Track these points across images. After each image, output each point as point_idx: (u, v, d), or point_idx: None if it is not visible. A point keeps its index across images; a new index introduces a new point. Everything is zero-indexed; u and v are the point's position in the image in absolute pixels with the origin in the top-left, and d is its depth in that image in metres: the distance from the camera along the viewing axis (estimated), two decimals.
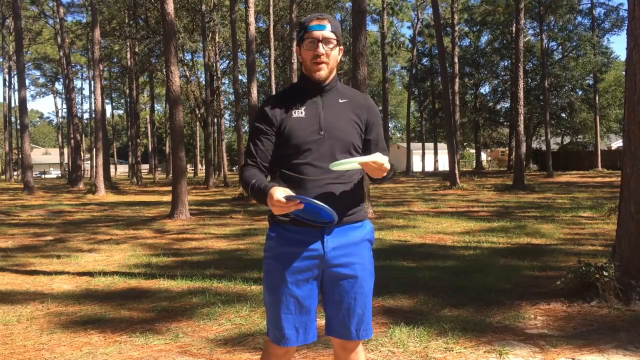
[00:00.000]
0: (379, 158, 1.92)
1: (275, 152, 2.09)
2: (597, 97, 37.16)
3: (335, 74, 2.11)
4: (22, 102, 24.34)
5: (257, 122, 2.11)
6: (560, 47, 41.19)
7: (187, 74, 33.30)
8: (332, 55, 2.05)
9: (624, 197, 4.43)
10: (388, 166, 1.97)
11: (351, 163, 1.92)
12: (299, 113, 2.06)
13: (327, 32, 2.01)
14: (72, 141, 30.69)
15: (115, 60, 43.61)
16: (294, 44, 23.79)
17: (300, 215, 1.92)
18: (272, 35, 24.76)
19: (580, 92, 40.70)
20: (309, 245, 2.03)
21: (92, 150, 43.26)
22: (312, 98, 2.09)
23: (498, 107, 46.05)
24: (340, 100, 2.11)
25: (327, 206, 1.82)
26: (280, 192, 1.84)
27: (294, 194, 1.85)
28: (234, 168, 61.66)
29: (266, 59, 38.69)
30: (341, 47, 2.09)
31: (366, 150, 2.16)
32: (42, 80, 60.89)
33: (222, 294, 4.89)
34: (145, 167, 58.63)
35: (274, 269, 2.07)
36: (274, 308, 2.07)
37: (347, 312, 2.07)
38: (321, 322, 2.31)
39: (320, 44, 2.01)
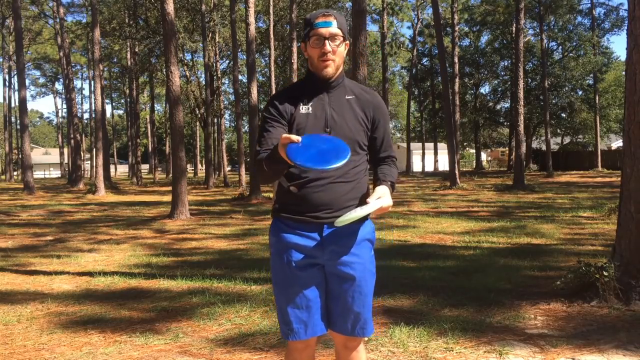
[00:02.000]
0: (377, 205, 1.94)
1: None
2: (597, 97, 37.18)
3: (341, 70, 2.11)
4: (22, 102, 24.34)
5: (267, 113, 2.10)
6: (560, 47, 41.22)
7: (187, 74, 33.31)
8: (338, 52, 2.04)
9: (624, 197, 4.43)
10: (389, 202, 1.98)
11: (354, 215, 1.91)
12: (306, 109, 2.06)
13: (334, 29, 2.01)
14: (72, 141, 30.69)
15: (115, 60, 43.63)
16: (294, 44, 23.86)
17: (309, 166, 1.79)
18: (272, 35, 24.74)
19: (580, 92, 40.72)
20: (308, 242, 2.04)
21: (92, 150, 43.29)
22: (319, 94, 2.08)
23: (498, 107, 46.08)
24: (347, 97, 2.11)
25: (325, 166, 1.76)
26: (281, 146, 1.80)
27: (291, 141, 1.77)
28: (234, 168, 61.68)
29: (266, 59, 38.67)
30: (347, 42, 2.08)
31: (371, 148, 2.16)
32: (42, 80, 61.00)
33: (222, 294, 4.89)
34: (145, 167, 58.62)
35: (278, 264, 2.10)
36: (281, 303, 2.10)
37: (344, 310, 2.09)
38: None
39: (327, 42, 2.01)
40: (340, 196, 2.03)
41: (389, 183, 2.09)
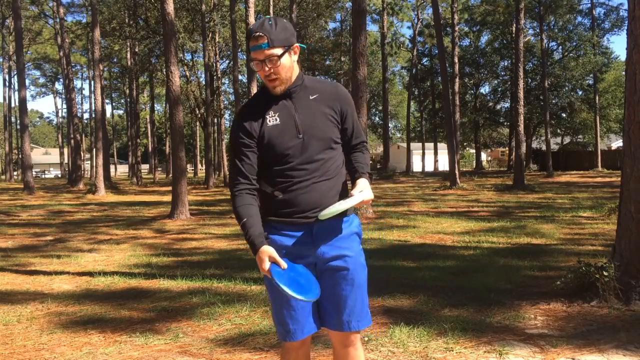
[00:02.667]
0: (359, 198, 1.98)
1: (259, 164, 2.08)
2: (597, 97, 37.16)
3: (298, 73, 2.07)
4: (22, 102, 24.34)
5: (236, 137, 2.07)
6: (560, 47, 41.21)
7: (187, 74, 33.29)
8: (281, 67, 1.98)
9: (624, 197, 4.43)
10: (371, 196, 2.03)
11: (338, 208, 1.96)
12: (273, 120, 2.04)
13: (267, 51, 1.94)
14: (72, 141, 30.69)
15: (115, 60, 43.62)
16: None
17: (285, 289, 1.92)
18: None
19: (580, 92, 40.70)
20: (298, 243, 2.07)
21: (92, 150, 43.28)
22: (281, 101, 2.07)
23: (498, 107, 46.05)
24: (311, 97, 2.09)
25: (301, 296, 1.90)
26: (266, 263, 1.93)
27: (277, 263, 1.94)
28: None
29: None
30: (293, 47, 2.01)
31: (343, 138, 2.16)
32: (42, 80, 60.98)
33: (222, 294, 4.89)
34: (145, 167, 58.60)
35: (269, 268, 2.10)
36: (276, 306, 2.13)
37: (338, 304, 2.10)
38: None
39: (264, 65, 1.96)
40: (325, 194, 2.06)
41: (367, 175, 2.12)
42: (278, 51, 1.95)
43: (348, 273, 2.09)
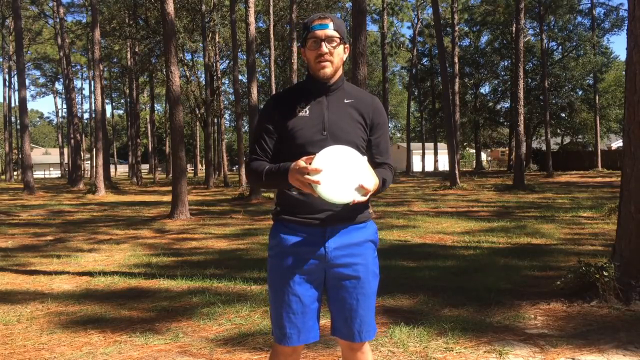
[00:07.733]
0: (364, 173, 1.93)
1: (278, 151, 2.08)
2: (597, 97, 37.17)
3: (341, 73, 2.10)
4: (22, 102, 24.33)
5: (260, 122, 2.12)
6: (560, 47, 41.23)
7: (187, 74, 33.29)
8: (336, 53, 2.03)
9: (624, 197, 4.43)
10: (370, 185, 1.90)
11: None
12: (303, 112, 2.06)
13: (330, 31, 2.01)
14: (72, 141, 30.69)
15: (115, 60, 43.59)
16: (294, 44, 23.87)
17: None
18: (272, 35, 24.77)
19: (580, 92, 40.73)
20: (310, 245, 2.03)
21: (92, 150, 43.29)
22: (317, 98, 2.08)
23: (498, 107, 46.09)
24: (345, 100, 2.09)
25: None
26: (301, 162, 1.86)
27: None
28: (234, 168, 61.68)
29: (266, 59, 38.69)
30: (346, 45, 2.08)
31: (368, 150, 2.13)
32: (42, 80, 60.92)
33: (222, 294, 4.89)
34: (145, 167, 58.62)
35: (276, 267, 2.08)
36: (276, 307, 2.08)
37: (349, 314, 2.07)
38: (324, 322, 2.30)
39: (323, 43, 2.01)
40: None
41: (382, 179, 2.03)
42: (338, 36, 2.04)
43: (358, 282, 2.05)
